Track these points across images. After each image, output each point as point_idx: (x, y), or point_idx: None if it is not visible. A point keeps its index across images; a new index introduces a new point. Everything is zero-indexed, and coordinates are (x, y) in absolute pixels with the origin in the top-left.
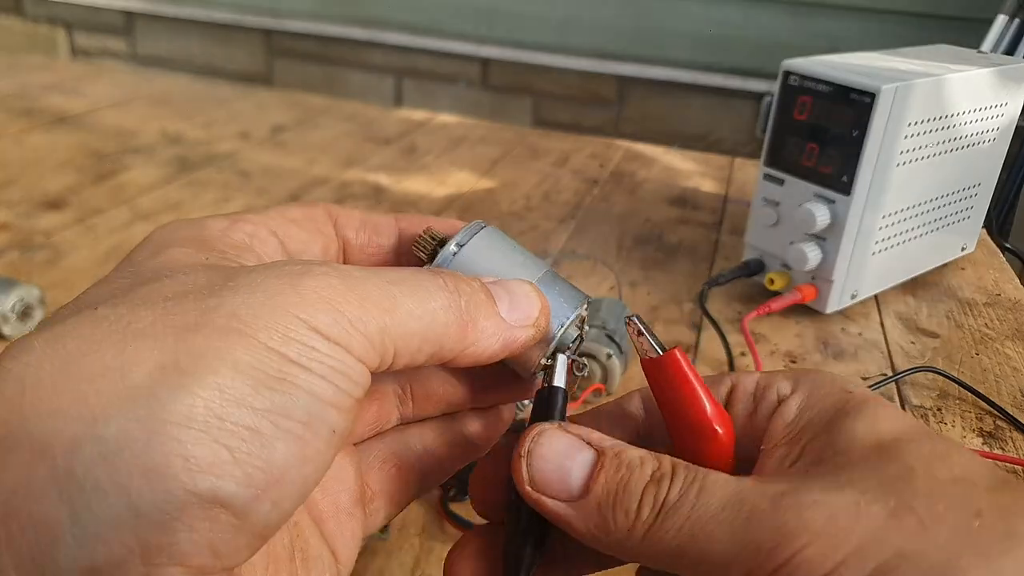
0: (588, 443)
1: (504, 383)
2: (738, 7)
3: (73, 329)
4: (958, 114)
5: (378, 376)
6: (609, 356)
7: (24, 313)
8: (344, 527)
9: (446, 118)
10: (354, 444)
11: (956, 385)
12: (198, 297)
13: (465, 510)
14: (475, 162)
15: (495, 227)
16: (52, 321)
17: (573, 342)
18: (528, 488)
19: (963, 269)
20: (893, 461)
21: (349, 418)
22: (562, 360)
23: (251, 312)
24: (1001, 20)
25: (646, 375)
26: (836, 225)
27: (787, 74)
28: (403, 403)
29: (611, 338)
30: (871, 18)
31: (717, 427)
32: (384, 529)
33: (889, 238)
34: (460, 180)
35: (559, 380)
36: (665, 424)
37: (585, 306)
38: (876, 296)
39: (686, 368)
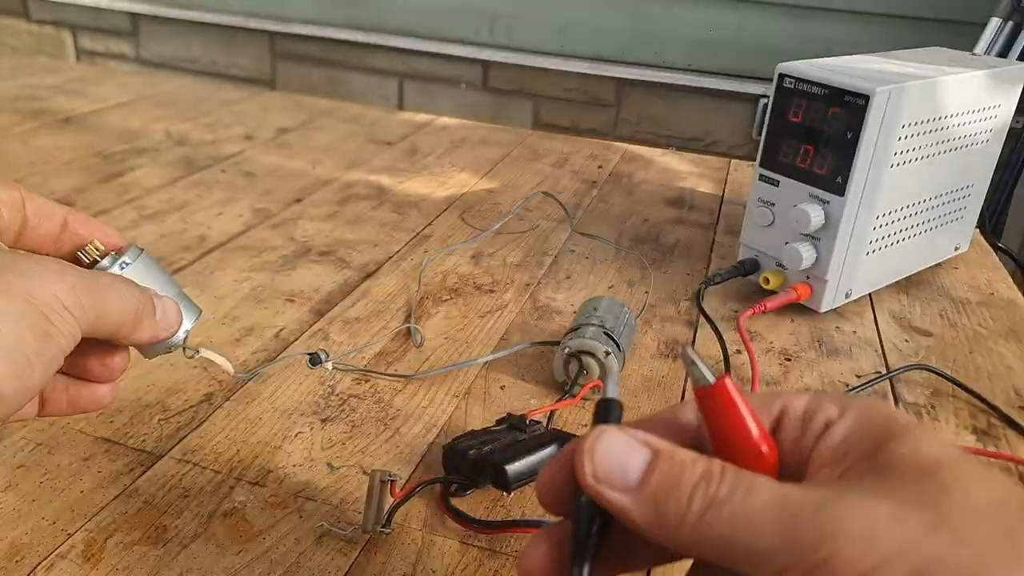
0: (645, 443)
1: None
2: (734, 11)
3: None
4: (951, 116)
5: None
6: (607, 354)
7: None
8: None
9: (447, 120)
10: None
11: (950, 383)
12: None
13: (466, 505)
14: (476, 163)
15: (147, 253)
16: None
17: (184, 343)
18: (591, 480)
19: (956, 269)
20: (932, 480)
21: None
22: (613, 377)
23: (29, 285)
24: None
25: (697, 402)
26: (830, 225)
27: (782, 77)
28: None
29: (609, 336)
30: (865, 21)
31: (763, 448)
32: (386, 523)
33: (883, 238)
34: (461, 181)
35: (612, 392)
36: (713, 447)
37: (196, 318)
38: (870, 295)
39: (735, 395)
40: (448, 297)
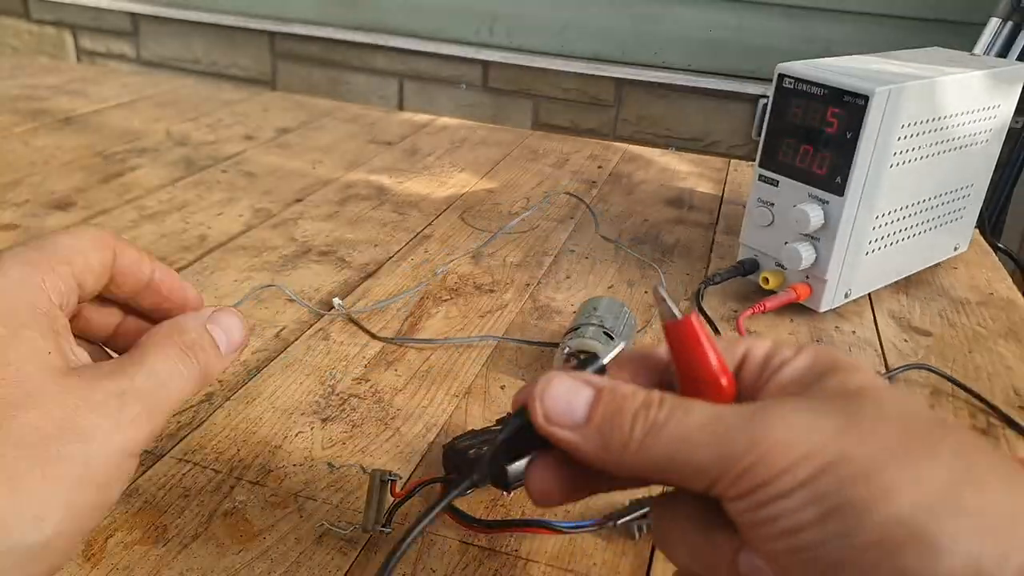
0: (587, 383)
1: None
2: (733, 11)
3: None
4: (951, 116)
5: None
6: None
7: None
8: None
9: (447, 120)
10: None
11: (949, 383)
12: (54, 446)
13: (466, 505)
14: (476, 163)
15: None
16: None
17: None
18: (542, 422)
19: (956, 268)
20: (853, 399)
21: None
22: (615, 348)
23: (89, 457)
24: (994, 23)
25: (665, 336)
26: (830, 225)
27: (782, 77)
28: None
29: (609, 336)
30: (865, 21)
31: (721, 380)
32: (387, 523)
33: (882, 238)
34: (461, 181)
35: (603, 354)
36: (678, 381)
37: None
38: (869, 295)
39: (699, 330)
40: (448, 297)
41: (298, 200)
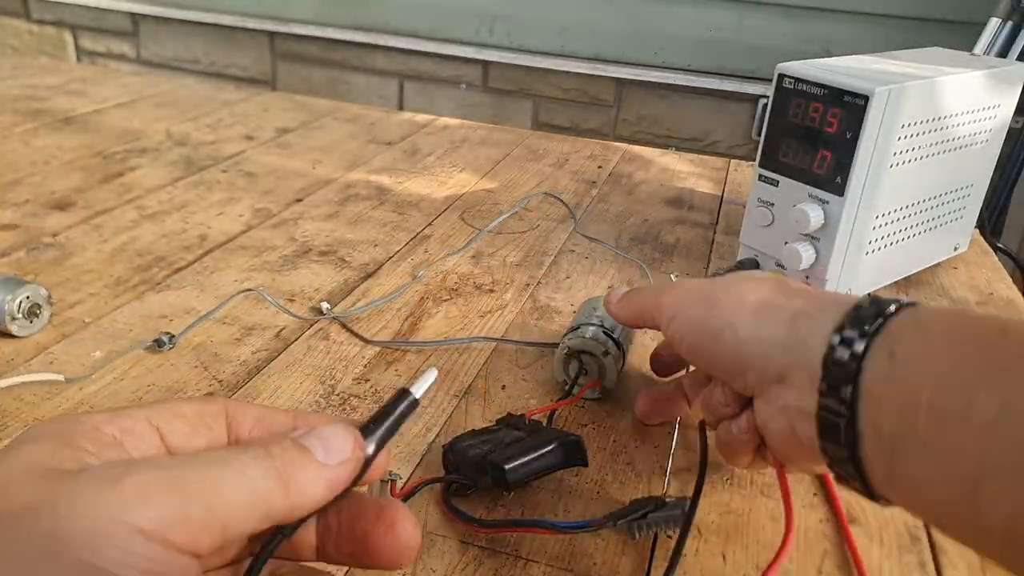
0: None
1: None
2: (734, 11)
3: None
4: (951, 116)
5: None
6: (605, 354)
7: (31, 312)
8: None
9: (447, 120)
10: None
11: None
12: (17, 518)
13: (466, 505)
14: (476, 163)
15: None
16: None
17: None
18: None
19: (956, 268)
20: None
21: None
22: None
23: (69, 527)
24: (994, 23)
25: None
26: (829, 225)
27: (782, 77)
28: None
29: (609, 335)
30: (865, 21)
31: None
32: None
33: (882, 238)
34: (461, 181)
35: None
36: None
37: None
38: (869, 295)
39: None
40: (448, 297)
41: (298, 200)
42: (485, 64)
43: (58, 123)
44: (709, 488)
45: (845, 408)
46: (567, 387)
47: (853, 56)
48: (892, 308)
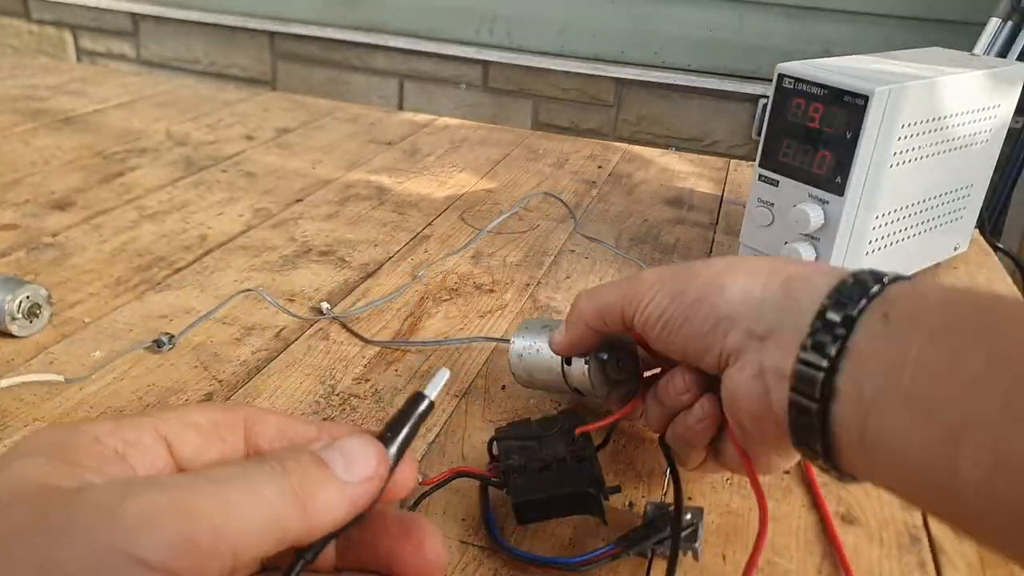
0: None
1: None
2: (734, 11)
3: None
4: (951, 116)
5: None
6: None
7: (31, 312)
8: None
9: (447, 120)
10: None
11: None
12: (6, 544)
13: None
14: (476, 163)
15: None
16: None
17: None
18: (557, 345)
19: (956, 268)
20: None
21: None
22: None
23: (63, 557)
24: (994, 23)
25: None
26: (830, 225)
27: (781, 77)
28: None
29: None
30: (865, 21)
31: None
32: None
33: (882, 238)
34: (461, 181)
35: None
36: None
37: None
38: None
39: None
40: (448, 297)
41: (298, 200)
42: (485, 64)
43: (58, 123)
44: (709, 489)
45: (828, 363)
46: (601, 393)
47: (853, 56)
48: (890, 277)
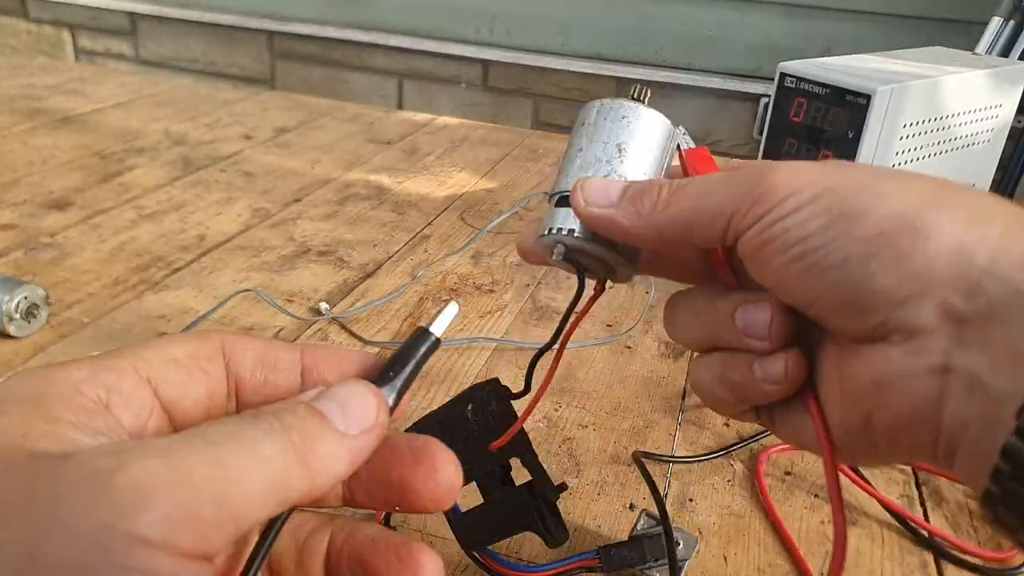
0: (621, 180)
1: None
2: (735, 10)
3: None
4: (953, 115)
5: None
6: (628, 262)
7: (29, 312)
8: None
9: (447, 119)
10: None
11: None
12: None
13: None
14: (476, 163)
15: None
16: None
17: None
18: (583, 205)
19: None
20: (848, 163)
21: None
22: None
23: (50, 540)
24: (996, 22)
25: (681, 160)
26: None
27: (783, 76)
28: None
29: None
30: (866, 20)
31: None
32: (388, 524)
33: None
34: (461, 180)
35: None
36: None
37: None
38: None
39: (710, 155)
40: (447, 297)
41: (297, 200)
42: (485, 63)
43: (56, 123)
44: (710, 490)
45: None
46: (574, 295)
47: (855, 55)
48: None
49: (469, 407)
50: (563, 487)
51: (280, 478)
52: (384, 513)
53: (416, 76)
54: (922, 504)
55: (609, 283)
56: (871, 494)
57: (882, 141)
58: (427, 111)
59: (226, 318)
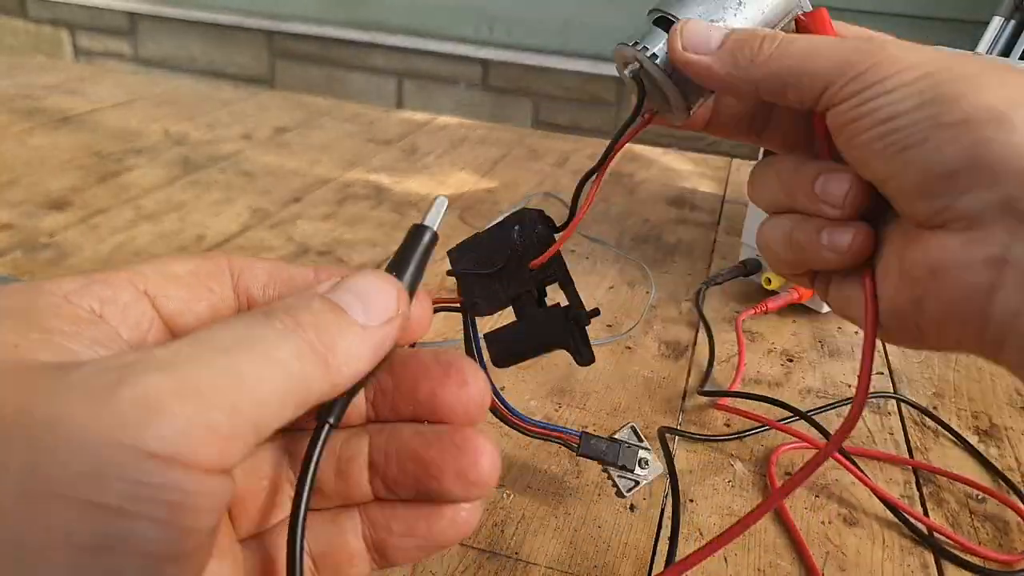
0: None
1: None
2: None
3: None
4: None
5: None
6: (688, 95)
7: None
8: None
9: (447, 119)
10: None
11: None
12: None
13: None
14: (475, 163)
15: None
16: None
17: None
18: (680, 49)
19: None
20: (963, 54)
21: (201, 549)
22: None
23: (55, 457)
24: (997, 22)
25: (798, 25)
26: None
27: None
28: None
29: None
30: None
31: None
32: None
33: None
34: (461, 180)
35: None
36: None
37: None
38: None
39: (828, 18)
40: (448, 298)
41: (296, 200)
42: (485, 62)
43: (55, 123)
44: (711, 491)
45: None
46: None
47: None
48: None
49: (516, 227)
50: (596, 312)
51: (298, 381)
52: None
53: (416, 75)
54: (922, 503)
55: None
56: (872, 489)
57: None
58: (427, 111)
59: None
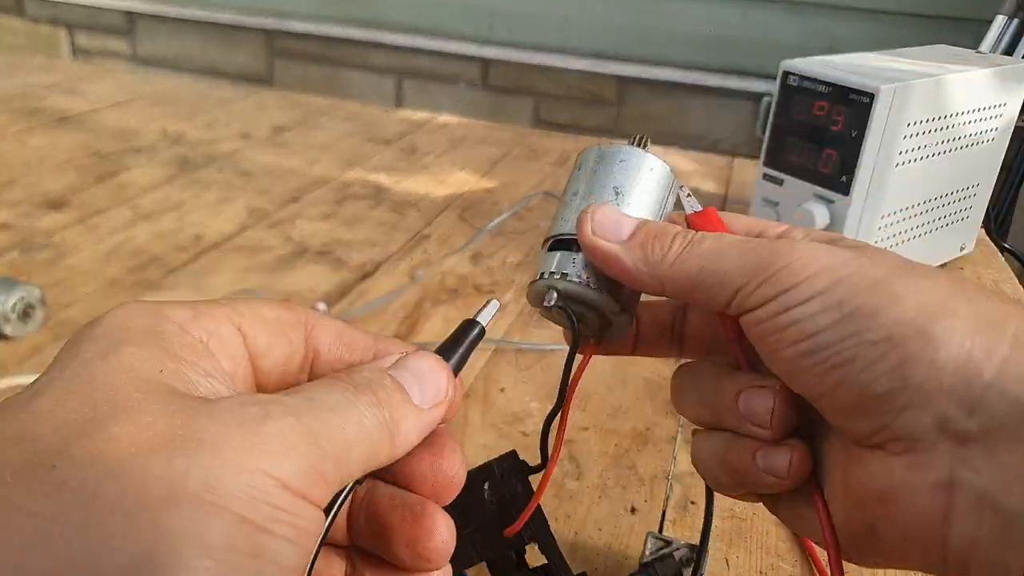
0: (635, 217)
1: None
2: (737, 8)
3: (27, 499)
4: (957, 114)
5: None
6: (620, 311)
7: (25, 313)
8: None
9: (446, 118)
10: None
11: None
12: (163, 457)
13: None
14: (475, 162)
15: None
16: None
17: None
18: (589, 234)
19: (962, 269)
20: (863, 247)
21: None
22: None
23: (220, 476)
24: (1000, 20)
25: (689, 224)
26: (835, 225)
27: (786, 74)
28: None
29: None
30: (870, 18)
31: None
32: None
33: (888, 238)
34: (460, 180)
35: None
36: None
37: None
38: None
39: (720, 216)
40: (447, 298)
41: (294, 199)
42: (485, 61)
43: (53, 122)
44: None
45: None
46: (570, 351)
47: (858, 53)
48: None
49: (487, 485)
50: None
51: (374, 448)
52: None
53: (415, 74)
54: None
55: (604, 338)
56: None
57: (885, 140)
58: (426, 110)
59: None
